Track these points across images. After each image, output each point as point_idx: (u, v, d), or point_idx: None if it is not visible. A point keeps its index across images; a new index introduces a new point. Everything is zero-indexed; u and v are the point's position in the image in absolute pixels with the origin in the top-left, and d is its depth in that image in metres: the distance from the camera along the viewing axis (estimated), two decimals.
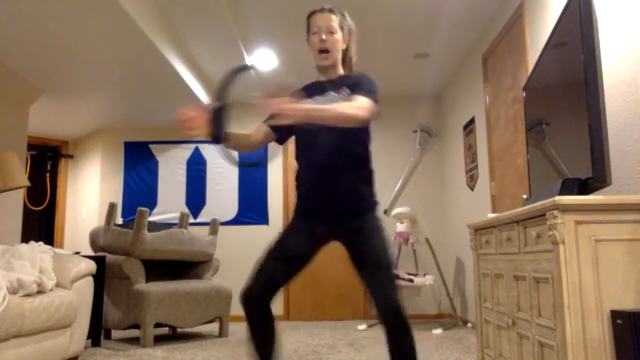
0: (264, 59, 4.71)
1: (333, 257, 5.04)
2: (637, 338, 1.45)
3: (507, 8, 3.58)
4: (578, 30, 1.79)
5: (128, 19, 3.22)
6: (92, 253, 4.40)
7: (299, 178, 1.87)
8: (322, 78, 1.93)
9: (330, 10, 1.86)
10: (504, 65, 3.68)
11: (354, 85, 1.79)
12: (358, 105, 1.65)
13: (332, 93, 1.83)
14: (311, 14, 1.89)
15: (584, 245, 1.59)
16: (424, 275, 4.77)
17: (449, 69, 4.99)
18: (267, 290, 1.72)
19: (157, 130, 5.82)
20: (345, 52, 1.91)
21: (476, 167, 4.35)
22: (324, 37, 1.82)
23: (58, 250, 3.13)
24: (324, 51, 1.83)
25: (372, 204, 1.80)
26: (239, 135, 1.83)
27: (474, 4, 3.73)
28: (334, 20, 1.84)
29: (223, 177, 5.70)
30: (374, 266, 1.67)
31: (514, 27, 3.46)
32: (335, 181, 1.76)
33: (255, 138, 1.89)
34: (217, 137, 1.67)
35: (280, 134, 1.90)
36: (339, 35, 1.85)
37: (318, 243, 1.79)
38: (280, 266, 1.74)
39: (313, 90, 1.88)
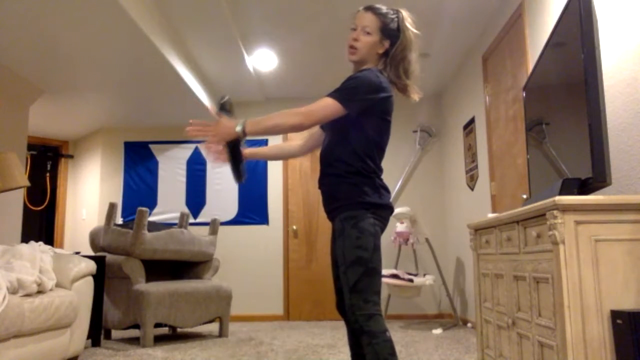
0: (264, 59, 4.71)
1: None
2: (637, 338, 1.45)
3: (507, 8, 3.58)
4: (578, 30, 1.79)
5: (128, 19, 3.22)
6: (92, 253, 4.40)
7: None
8: None
9: (374, 11, 1.81)
10: (504, 65, 3.68)
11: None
12: (298, 111, 1.64)
13: None
14: (357, 11, 1.86)
15: (584, 245, 1.59)
16: (424, 275, 4.78)
17: (449, 69, 4.99)
18: (338, 298, 1.84)
19: (157, 130, 5.82)
20: (385, 58, 1.83)
21: (476, 167, 4.35)
22: (354, 35, 1.81)
23: (58, 250, 3.13)
24: (352, 47, 1.81)
25: (343, 204, 1.71)
26: (282, 147, 1.99)
27: (474, 4, 3.73)
28: (373, 21, 1.79)
29: (223, 177, 5.69)
30: (339, 267, 1.69)
31: (514, 27, 3.46)
32: (320, 180, 1.84)
33: (307, 144, 2.02)
34: (238, 176, 1.79)
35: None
36: (374, 37, 1.79)
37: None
38: (335, 272, 1.85)
39: None
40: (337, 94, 1.68)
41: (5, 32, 3.38)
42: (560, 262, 1.58)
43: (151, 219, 5.48)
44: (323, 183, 1.81)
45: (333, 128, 1.78)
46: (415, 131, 5.62)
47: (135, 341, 3.96)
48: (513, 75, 3.50)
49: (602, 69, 2.07)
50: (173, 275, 4.60)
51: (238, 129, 1.64)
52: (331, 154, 1.78)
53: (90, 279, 3.13)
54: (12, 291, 2.47)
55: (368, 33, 1.79)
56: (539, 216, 1.77)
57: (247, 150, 1.92)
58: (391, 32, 1.80)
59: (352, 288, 1.62)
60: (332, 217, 1.78)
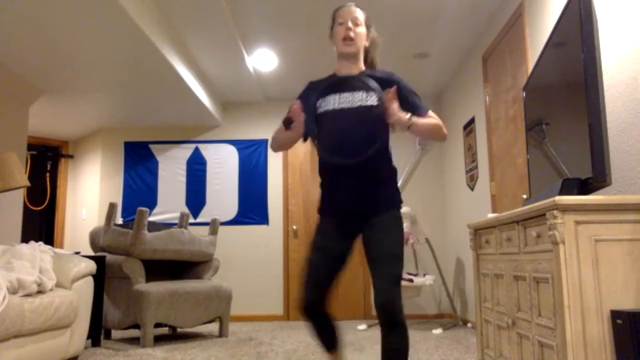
0: (264, 59, 4.71)
1: None
2: (637, 338, 1.45)
3: (507, 8, 3.58)
4: (578, 30, 1.79)
5: (128, 19, 3.22)
6: (92, 253, 4.40)
7: (324, 178, 1.91)
8: (342, 71, 1.93)
9: (357, 6, 1.95)
10: (504, 65, 3.68)
11: (387, 84, 1.84)
12: (440, 123, 1.84)
13: (360, 93, 1.84)
14: (338, 9, 1.97)
15: (584, 245, 1.59)
16: (424, 275, 4.78)
17: (449, 69, 4.99)
18: (322, 296, 1.80)
19: (157, 130, 5.82)
20: (367, 51, 1.97)
21: (476, 167, 4.35)
22: (350, 25, 1.89)
23: (58, 250, 3.13)
24: (348, 38, 1.88)
25: (395, 203, 1.84)
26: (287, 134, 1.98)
27: (474, 4, 3.73)
28: (361, 14, 1.93)
29: (223, 177, 5.69)
30: (382, 260, 1.72)
31: (514, 27, 3.46)
32: (363, 183, 1.82)
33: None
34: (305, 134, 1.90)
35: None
36: (363, 30, 1.91)
37: (348, 239, 1.85)
38: (324, 270, 1.81)
39: (336, 85, 1.89)
40: (426, 104, 1.87)
41: (5, 32, 3.38)
42: (560, 262, 1.58)
43: (151, 219, 5.48)
44: (372, 186, 1.81)
45: (383, 133, 1.82)
46: None
47: (135, 341, 3.96)
48: (513, 75, 3.50)
49: (602, 69, 2.07)
50: (173, 275, 4.60)
51: (407, 119, 1.76)
52: (380, 159, 1.83)
53: (90, 279, 3.13)
54: (12, 291, 2.47)
55: (357, 24, 1.91)
56: (539, 216, 1.77)
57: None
58: (369, 26, 1.96)
59: (396, 282, 1.69)
60: (381, 212, 1.79)
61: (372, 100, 1.82)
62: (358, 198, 1.81)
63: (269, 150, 5.72)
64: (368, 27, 1.95)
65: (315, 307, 1.78)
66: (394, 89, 1.73)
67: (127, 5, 3.10)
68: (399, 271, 1.71)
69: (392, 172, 1.87)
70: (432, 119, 1.83)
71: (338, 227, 1.85)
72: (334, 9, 1.98)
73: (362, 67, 1.95)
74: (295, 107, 1.79)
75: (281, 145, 2.00)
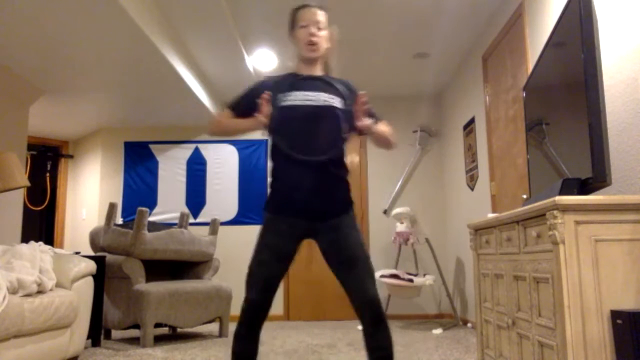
0: (264, 59, 4.71)
1: None
2: (637, 338, 1.45)
3: (507, 8, 3.58)
4: (578, 30, 1.79)
5: (128, 19, 3.22)
6: (92, 253, 4.40)
7: (281, 173, 1.83)
8: (303, 72, 1.92)
9: (320, 7, 1.92)
10: (504, 65, 3.68)
11: (351, 93, 1.90)
12: (392, 131, 1.93)
13: (324, 94, 1.83)
14: (298, 9, 1.92)
15: (584, 245, 1.59)
16: (424, 275, 4.77)
17: (449, 69, 4.99)
18: (269, 297, 1.74)
19: (157, 130, 5.82)
20: (327, 52, 1.98)
21: (476, 167, 4.35)
22: (313, 30, 1.86)
23: (58, 250, 3.13)
24: (312, 44, 1.86)
25: (350, 204, 1.86)
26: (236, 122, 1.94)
27: (473, 4, 3.73)
28: (325, 17, 1.91)
29: (223, 177, 5.70)
30: (359, 259, 1.73)
31: (514, 27, 3.47)
32: (329, 181, 1.81)
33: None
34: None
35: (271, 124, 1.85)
36: (327, 33, 1.92)
37: (299, 240, 1.80)
38: (274, 271, 1.74)
39: (301, 83, 1.86)
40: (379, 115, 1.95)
41: (5, 32, 3.38)
42: (560, 262, 1.58)
43: (151, 219, 5.48)
44: (333, 185, 1.81)
45: (348, 137, 1.88)
46: (415, 131, 5.62)
47: (135, 341, 3.96)
48: (513, 75, 3.50)
49: (602, 69, 2.07)
50: (173, 275, 4.60)
51: (372, 124, 1.82)
52: (341, 159, 1.85)
53: (90, 279, 3.13)
54: (12, 291, 2.47)
55: (320, 28, 1.89)
56: (539, 216, 1.77)
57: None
58: (330, 26, 1.94)
59: (374, 279, 1.73)
60: (340, 212, 1.79)
61: (335, 102, 1.82)
62: (322, 196, 1.77)
63: (269, 150, 5.71)
64: (329, 27, 1.92)
65: (261, 311, 1.71)
66: (362, 93, 1.74)
67: (127, 5, 3.10)
68: (373, 269, 1.76)
69: (348, 174, 1.88)
70: (386, 127, 1.92)
71: (292, 227, 1.76)
72: (294, 8, 1.93)
73: (323, 70, 1.96)
74: (265, 97, 1.73)
75: (228, 132, 1.94)
